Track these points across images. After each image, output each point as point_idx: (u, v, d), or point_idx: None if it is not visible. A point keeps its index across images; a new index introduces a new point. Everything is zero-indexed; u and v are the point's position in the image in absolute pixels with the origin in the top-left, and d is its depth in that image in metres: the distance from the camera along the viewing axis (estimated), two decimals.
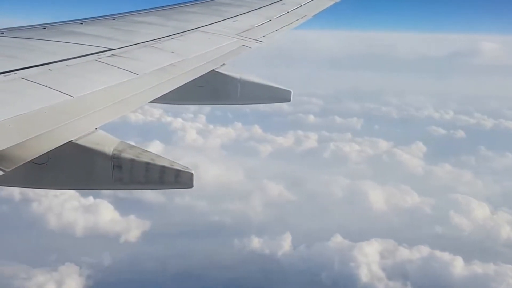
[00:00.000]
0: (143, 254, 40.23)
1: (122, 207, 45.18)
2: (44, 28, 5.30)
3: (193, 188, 3.75)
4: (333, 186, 53.15)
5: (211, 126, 68.77)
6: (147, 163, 3.69)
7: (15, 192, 44.26)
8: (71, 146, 3.44)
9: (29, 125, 3.21)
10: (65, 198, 45.40)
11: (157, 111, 71.29)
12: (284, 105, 77.92)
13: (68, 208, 44.92)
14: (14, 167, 3.00)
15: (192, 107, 68.65)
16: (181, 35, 6.23)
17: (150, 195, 47.66)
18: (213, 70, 5.93)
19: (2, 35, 4.70)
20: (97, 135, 3.67)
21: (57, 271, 36.94)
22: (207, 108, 69.90)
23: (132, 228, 43.80)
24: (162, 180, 3.73)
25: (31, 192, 43.79)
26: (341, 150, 64.53)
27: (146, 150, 3.85)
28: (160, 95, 4.61)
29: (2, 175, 2.92)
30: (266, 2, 10.07)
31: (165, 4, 7.73)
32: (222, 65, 6.23)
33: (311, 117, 77.18)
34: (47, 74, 3.85)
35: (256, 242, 42.89)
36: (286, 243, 42.85)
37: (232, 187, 52.23)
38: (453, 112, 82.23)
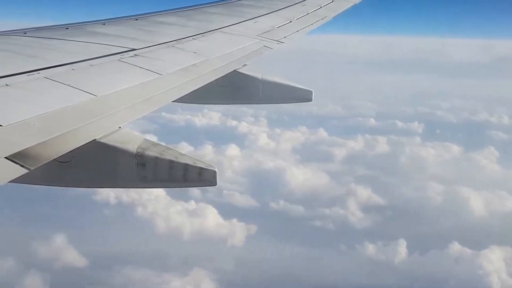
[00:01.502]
0: (252, 259, 39.59)
1: (225, 211, 44.89)
2: (67, 29, 5.32)
3: (216, 185, 3.70)
4: (427, 191, 51.64)
5: (277, 130, 67.60)
6: (171, 161, 3.66)
7: (111, 196, 44.39)
8: (95, 145, 3.42)
9: (52, 124, 3.19)
10: (166, 202, 45.25)
11: (216, 114, 70.53)
12: (338, 108, 76.39)
13: (172, 212, 44.71)
14: (38, 165, 2.98)
15: (250, 111, 67.91)
16: (202, 36, 6.21)
17: (244, 199, 47.57)
18: (235, 70, 5.92)
19: (25, 35, 4.71)
20: (121, 134, 3.64)
21: (188, 275, 36.62)
22: (263, 111, 69.11)
23: (237, 232, 43.28)
24: (185, 178, 3.70)
25: (126, 195, 43.93)
26: (418, 154, 62.52)
27: (169, 148, 3.82)
28: (183, 94, 4.59)
29: (26, 173, 2.90)
30: (287, 3, 10.06)
31: (187, 5, 7.76)
32: (243, 65, 6.22)
33: (372, 121, 75.45)
34: (70, 74, 3.84)
35: (366, 248, 41.64)
36: (402, 250, 41.55)
37: (322, 191, 50.99)
38: (507, 116, 79.74)
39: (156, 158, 3.62)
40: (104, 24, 5.74)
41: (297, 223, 44.81)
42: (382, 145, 64.60)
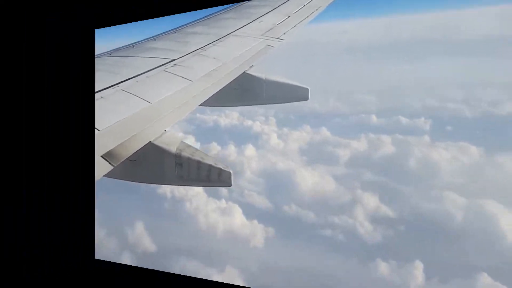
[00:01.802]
0: (269, 263, 39.58)
1: (247, 211, 44.80)
2: (133, 47, 6.45)
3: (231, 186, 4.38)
4: (444, 203, 50.12)
5: (285, 130, 66.55)
6: (199, 162, 4.43)
7: (167, 190, 44.57)
8: (150, 146, 4.48)
9: (126, 128, 4.49)
10: (204, 199, 44.99)
11: (235, 114, 69.61)
12: (339, 105, 74.68)
13: (209, 209, 44.67)
14: (119, 163, 4.25)
15: (260, 110, 67.44)
16: (220, 41, 7.13)
17: (261, 200, 47.48)
18: (244, 72, 6.68)
19: (110, 55, 5.98)
20: (167, 136, 4.68)
21: (224, 272, 37.14)
22: (271, 110, 68.34)
23: (257, 234, 43.34)
24: (209, 178, 4.37)
25: (177, 191, 44.02)
26: (429, 156, 60.40)
27: (197, 149, 4.64)
28: (206, 98, 5.52)
29: (112, 169, 4.18)
30: None
31: (208, 14, 8.67)
32: (251, 66, 7.01)
33: (374, 118, 73.42)
34: (135, 85, 5.08)
35: (378, 266, 40.47)
36: (418, 273, 40.29)
37: (329, 196, 50.53)
38: None
39: (189, 158, 4.46)
40: (155, 39, 6.75)
41: (309, 230, 44.97)
42: (387, 145, 63.11)
